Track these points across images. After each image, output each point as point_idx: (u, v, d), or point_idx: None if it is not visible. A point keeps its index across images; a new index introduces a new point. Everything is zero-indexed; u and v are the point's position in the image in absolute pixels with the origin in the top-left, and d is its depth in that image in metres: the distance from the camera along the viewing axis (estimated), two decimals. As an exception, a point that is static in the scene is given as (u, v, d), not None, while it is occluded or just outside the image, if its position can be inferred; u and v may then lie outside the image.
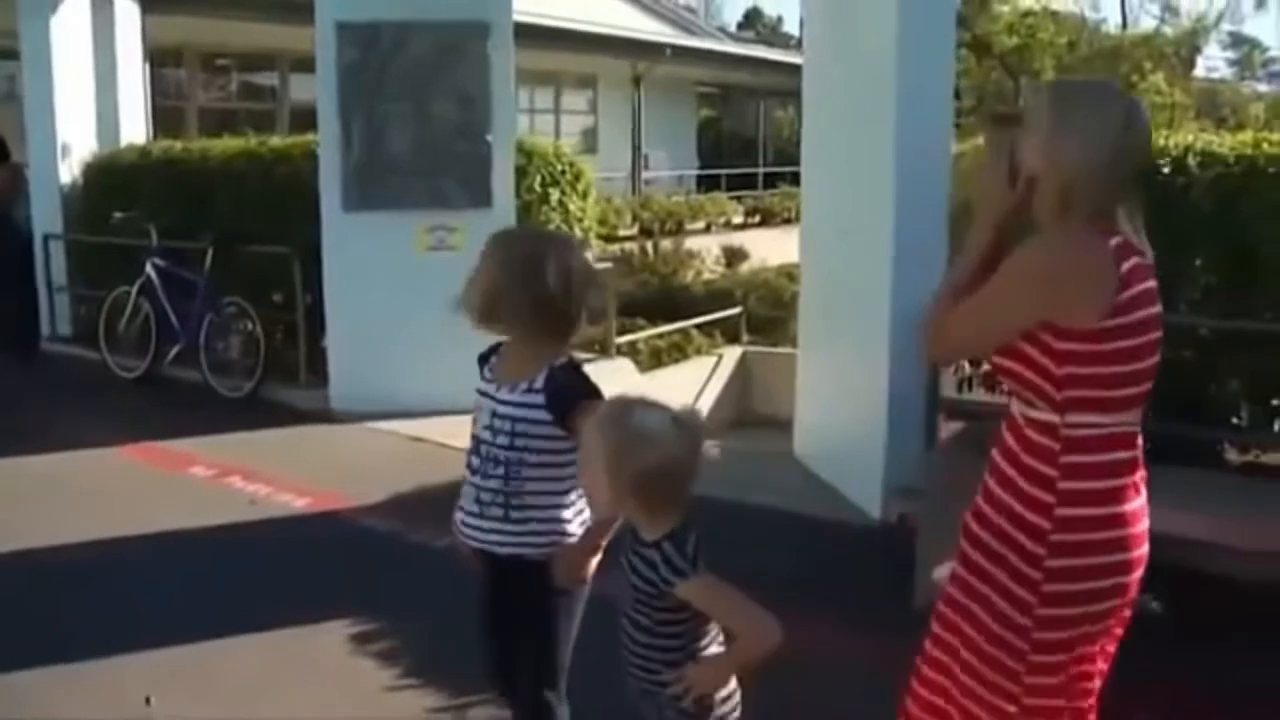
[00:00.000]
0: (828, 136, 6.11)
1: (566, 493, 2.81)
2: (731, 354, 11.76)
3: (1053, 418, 2.26)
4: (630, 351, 10.53)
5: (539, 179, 8.39)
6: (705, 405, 10.34)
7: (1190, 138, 5.18)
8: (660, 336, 11.43)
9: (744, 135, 29.06)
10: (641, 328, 11.35)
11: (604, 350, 9.34)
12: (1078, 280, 2.21)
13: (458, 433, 6.82)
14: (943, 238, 5.44)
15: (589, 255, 2.99)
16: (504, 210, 7.30)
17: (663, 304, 13.15)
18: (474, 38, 7.18)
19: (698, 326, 12.04)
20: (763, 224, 24.32)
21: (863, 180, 5.61)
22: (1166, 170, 4.92)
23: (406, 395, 7.03)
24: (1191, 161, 4.91)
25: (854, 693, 3.80)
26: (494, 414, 2.77)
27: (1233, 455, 5.39)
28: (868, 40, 5.55)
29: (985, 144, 2.44)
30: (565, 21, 17.50)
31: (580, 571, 2.80)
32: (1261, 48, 36.38)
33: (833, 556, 5.14)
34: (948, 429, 5.65)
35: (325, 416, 7.39)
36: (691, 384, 10.80)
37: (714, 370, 11.29)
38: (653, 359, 11.01)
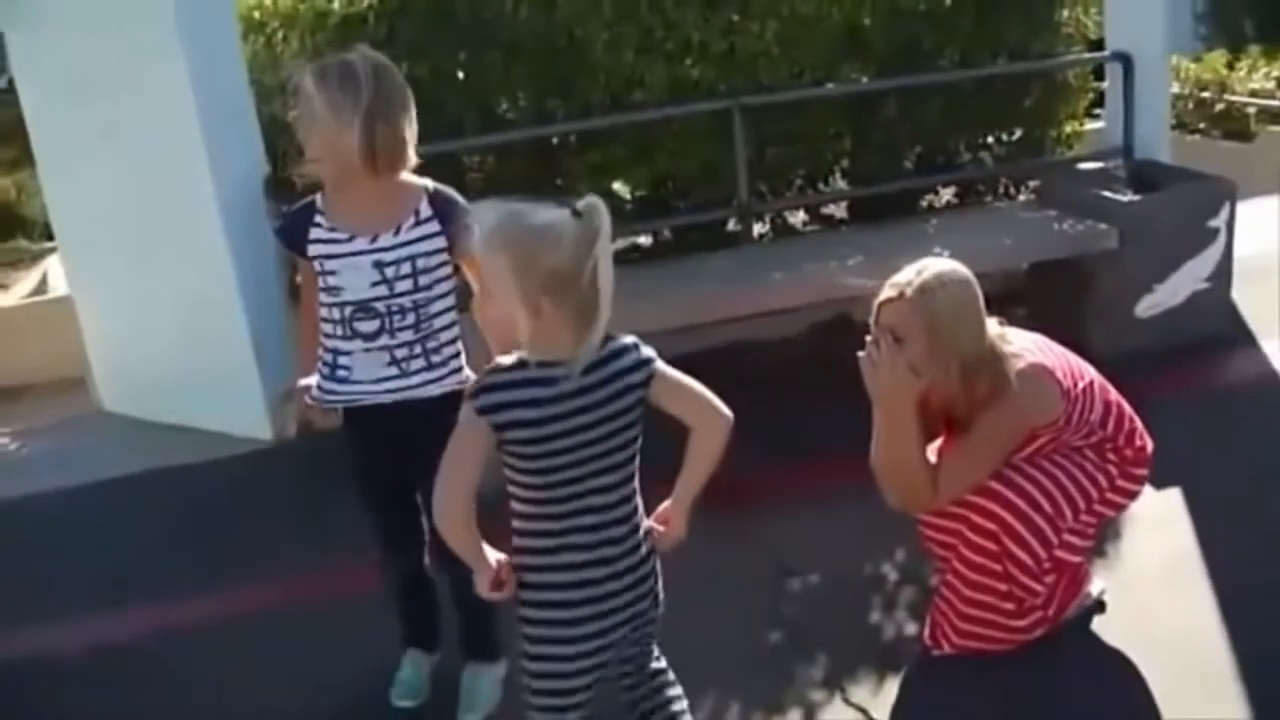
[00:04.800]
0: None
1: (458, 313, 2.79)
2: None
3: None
4: None
5: None
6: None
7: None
8: None
9: None
10: None
11: None
12: (1043, 414, 2.85)
13: None
14: (248, 102, 4.73)
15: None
16: None
17: None
18: None
19: None
20: None
21: (129, 61, 4.58)
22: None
23: None
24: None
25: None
26: (378, 265, 2.67)
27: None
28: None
29: (871, 349, 2.78)
30: None
31: None
32: None
33: (270, 494, 4.42)
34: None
35: None
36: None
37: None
38: None
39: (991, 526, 2.93)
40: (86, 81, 4.71)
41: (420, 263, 2.69)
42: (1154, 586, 3.32)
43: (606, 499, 2.18)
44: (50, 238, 13.71)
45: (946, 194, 6.00)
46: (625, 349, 2.18)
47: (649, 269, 5.09)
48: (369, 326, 2.71)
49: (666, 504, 2.33)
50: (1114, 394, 3.06)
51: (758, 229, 5.61)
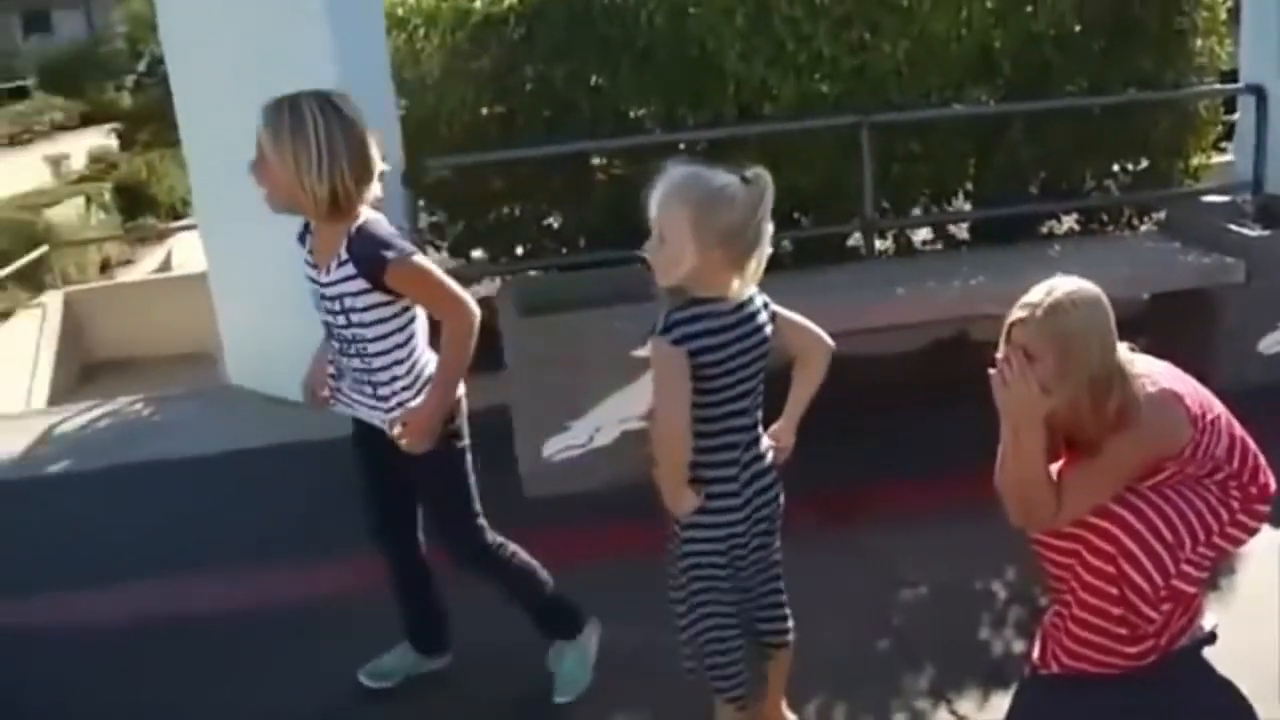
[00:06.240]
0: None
1: (410, 358, 2.80)
2: (52, 302, 9.83)
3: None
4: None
5: None
6: (45, 365, 8.63)
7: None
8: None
9: None
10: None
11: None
12: (1172, 440, 2.88)
13: None
14: (390, 96, 4.89)
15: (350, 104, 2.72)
16: None
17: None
18: None
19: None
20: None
21: (278, 46, 4.75)
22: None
23: None
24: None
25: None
26: (323, 298, 2.76)
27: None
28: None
29: (1002, 367, 2.81)
30: None
31: (433, 436, 2.76)
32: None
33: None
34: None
35: None
36: (21, 346, 8.88)
37: (42, 325, 9.35)
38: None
39: (1110, 549, 2.94)
40: (235, 63, 4.91)
41: (348, 302, 2.72)
42: (1268, 622, 3.30)
43: (748, 418, 2.60)
44: (176, 218, 14.28)
45: (1069, 220, 5.97)
46: (754, 296, 2.60)
47: (770, 279, 5.03)
48: (338, 345, 2.85)
49: (778, 424, 2.73)
50: (1239, 429, 3.06)
51: (879, 245, 5.64)
